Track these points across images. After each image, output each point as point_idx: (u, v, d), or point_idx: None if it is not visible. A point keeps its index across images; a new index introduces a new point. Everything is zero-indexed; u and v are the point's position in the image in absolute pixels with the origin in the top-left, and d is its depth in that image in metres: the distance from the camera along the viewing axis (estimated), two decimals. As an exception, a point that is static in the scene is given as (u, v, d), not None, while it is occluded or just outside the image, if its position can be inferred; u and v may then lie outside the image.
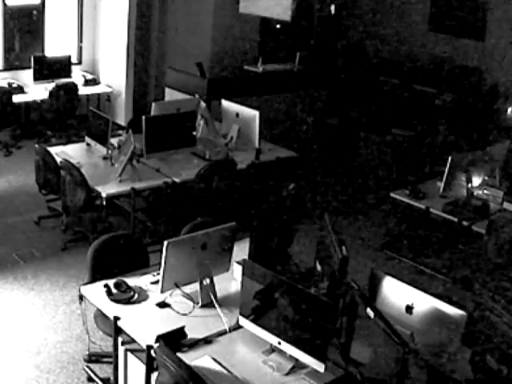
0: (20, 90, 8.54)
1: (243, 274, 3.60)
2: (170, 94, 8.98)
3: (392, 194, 6.23)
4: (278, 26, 10.21)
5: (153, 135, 6.18)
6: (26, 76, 8.86)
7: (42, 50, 9.27)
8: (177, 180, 5.98)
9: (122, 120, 9.44)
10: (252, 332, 3.59)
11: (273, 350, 3.53)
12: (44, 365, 4.49)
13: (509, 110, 9.00)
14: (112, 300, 3.84)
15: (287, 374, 3.39)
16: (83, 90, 9.14)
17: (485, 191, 6.02)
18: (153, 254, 4.38)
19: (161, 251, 3.72)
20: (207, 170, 6.06)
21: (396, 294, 3.61)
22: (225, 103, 7.04)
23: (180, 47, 9.86)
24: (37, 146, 6.26)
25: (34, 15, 9.17)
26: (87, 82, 9.32)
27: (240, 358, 3.52)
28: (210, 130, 7.05)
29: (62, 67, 9.00)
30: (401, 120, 9.10)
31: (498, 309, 3.62)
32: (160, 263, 3.77)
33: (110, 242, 4.26)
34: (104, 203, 5.65)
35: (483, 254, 5.54)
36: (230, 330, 3.68)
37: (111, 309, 3.79)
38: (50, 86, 8.61)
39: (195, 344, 3.52)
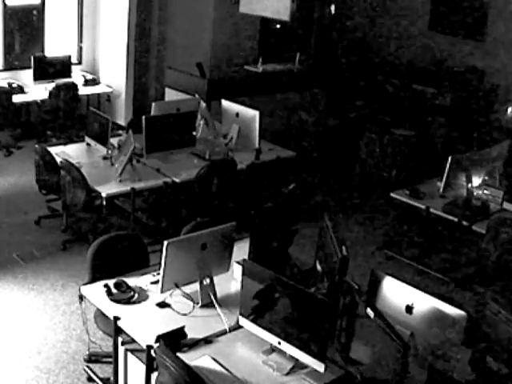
0: (20, 89, 8.54)
1: (243, 274, 3.60)
2: (170, 94, 8.98)
3: (392, 194, 6.22)
4: (278, 26, 10.21)
5: (153, 135, 6.18)
6: (26, 76, 8.86)
7: (42, 50, 9.27)
8: (177, 180, 5.98)
9: (122, 120, 9.44)
10: (252, 332, 3.59)
11: (273, 349, 3.53)
12: (44, 365, 4.49)
13: (509, 110, 9.00)
14: (112, 300, 3.84)
15: (287, 373, 3.39)
16: (83, 90, 9.14)
17: (485, 191, 6.01)
18: (153, 254, 4.38)
19: (161, 251, 3.72)
20: (207, 170, 6.06)
21: (396, 293, 3.61)
22: (225, 103, 7.03)
23: (180, 47, 9.86)
24: (37, 146, 6.26)
25: (34, 15, 9.16)
26: (87, 82, 9.32)
27: (240, 357, 3.52)
28: (210, 130, 7.05)
29: (62, 67, 8.99)
30: (401, 120, 9.10)
31: (498, 308, 3.62)
32: (160, 263, 3.78)
33: (110, 242, 4.26)
34: (104, 203, 5.65)
35: (483, 253, 5.54)
36: (230, 330, 3.68)
37: (111, 309, 3.79)
38: (50, 86, 8.61)
39: (195, 344, 3.53)
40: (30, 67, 8.73)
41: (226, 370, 3.36)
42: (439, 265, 6.26)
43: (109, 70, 9.68)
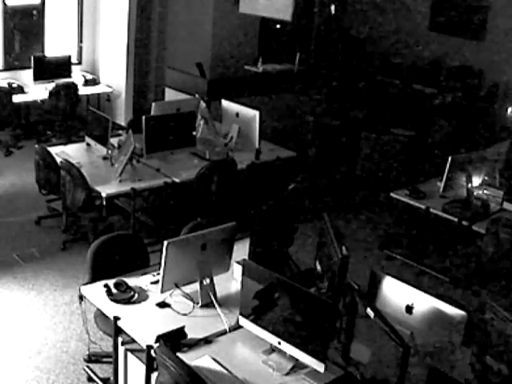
0: (20, 90, 8.54)
1: (243, 274, 3.60)
2: (170, 94, 8.98)
3: (392, 194, 6.22)
4: (278, 25, 10.22)
5: (153, 135, 6.18)
6: (25, 76, 8.86)
7: (42, 50, 9.27)
8: (177, 180, 5.98)
9: (122, 120, 9.44)
10: (252, 332, 3.59)
11: (273, 349, 3.53)
12: (44, 365, 4.49)
13: (509, 110, 9.00)
14: (112, 300, 3.84)
15: (287, 373, 3.39)
16: (83, 90, 9.14)
17: (485, 191, 6.02)
18: (153, 254, 4.38)
19: (161, 251, 3.72)
20: (207, 170, 6.06)
21: (396, 293, 3.61)
22: (225, 103, 7.03)
23: (180, 47, 9.87)
24: (37, 146, 6.26)
25: (34, 15, 9.16)
26: (87, 82, 9.32)
27: (240, 358, 3.52)
28: (210, 130, 7.05)
29: (61, 67, 8.99)
30: (401, 120, 9.10)
31: (497, 308, 3.62)
32: (160, 263, 3.78)
33: (110, 242, 4.26)
34: (104, 203, 5.65)
35: (483, 253, 5.54)
36: (230, 330, 3.68)
37: (111, 309, 3.79)
38: (50, 85, 8.61)
39: (195, 344, 3.52)
40: (30, 67, 8.74)
41: (226, 369, 3.36)
42: (439, 265, 6.26)
43: (109, 70, 9.68)
